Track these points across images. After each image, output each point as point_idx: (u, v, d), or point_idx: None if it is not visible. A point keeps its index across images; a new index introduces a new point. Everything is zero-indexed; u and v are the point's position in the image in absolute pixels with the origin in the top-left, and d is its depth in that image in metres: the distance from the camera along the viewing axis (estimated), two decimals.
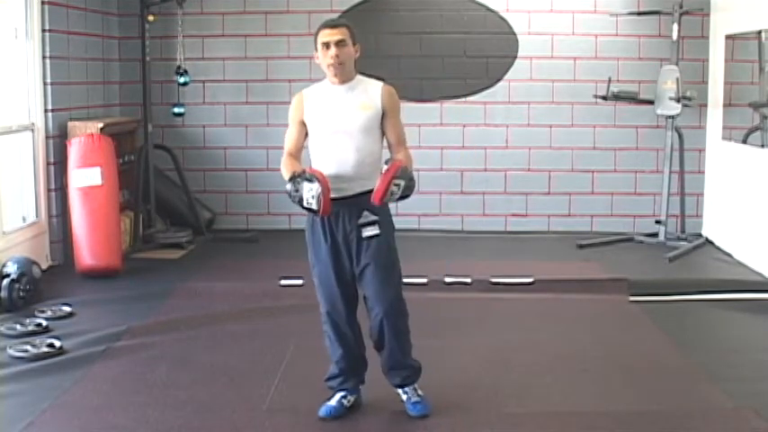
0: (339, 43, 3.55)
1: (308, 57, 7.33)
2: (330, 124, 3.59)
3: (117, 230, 6.12)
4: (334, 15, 7.22)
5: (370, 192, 3.51)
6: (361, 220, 3.57)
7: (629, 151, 7.39)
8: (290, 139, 3.69)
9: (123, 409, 3.78)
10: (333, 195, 3.46)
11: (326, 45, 3.56)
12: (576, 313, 5.38)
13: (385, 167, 3.50)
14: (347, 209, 3.58)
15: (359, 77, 3.66)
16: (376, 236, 3.59)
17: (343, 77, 3.60)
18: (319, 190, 3.37)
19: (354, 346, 3.75)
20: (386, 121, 3.64)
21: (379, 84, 3.67)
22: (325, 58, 3.57)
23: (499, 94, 7.38)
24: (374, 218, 3.59)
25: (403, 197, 3.50)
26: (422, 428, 3.64)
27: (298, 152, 3.67)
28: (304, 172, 3.45)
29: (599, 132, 7.40)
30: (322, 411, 3.73)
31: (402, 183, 3.44)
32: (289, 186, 3.46)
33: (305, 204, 3.41)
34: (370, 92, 3.63)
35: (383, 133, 3.67)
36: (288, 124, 3.72)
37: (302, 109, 3.65)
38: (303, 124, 3.65)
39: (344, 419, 3.72)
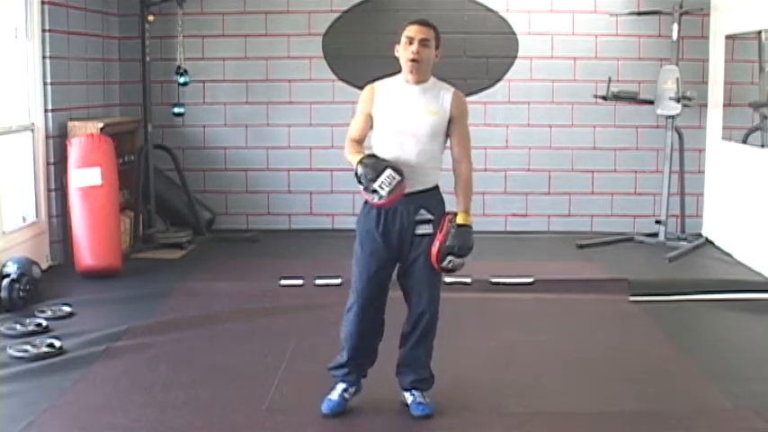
0: (423, 41, 3.60)
1: (307, 57, 7.42)
2: (398, 124, 3.62)
3: (117, 230, 6.12)
4: (334, 15, 7.27)
5: (428, 191, 3.66)
6: (418, 217, 3.63)
7: (629, 151, 7.39)
8: (355, 127, 3.73)
9: (123, 409, 3.78)
10: None
11: (410, 40, 3.60)
12: (576, 313, 5.38)
13: (435, 235, 3.61)
14: (405, 206, 3.62)
15: (433, 80, 3.69)
16: (429, 234, 3.64)
17: (418, 77, 3.63)
18: (401, 182, 3.47)
19: (370, 341, 3.77)
20: (452, 128, 3.68)
21: (451, 89, 3.70)
22: (405, 53, 3.61)
23: (499, 94, 7.38)
24: (430, 216, 3.65)
25: (464, 255, 3.65)
26: (422, 428, 3.64)
27: (362, 140, 3.71)
28: (386, 161, 3.53)
29: (599, 132, 7.40)
30: (325, 407, 3.75)
31: (451, 259, 3.60)
32: (368, 161, 3.52)
33: (375, 185, 3.46)
34: (441, 97, 3.65)
35: (447, 137, 3.71)
36: (355, 113, 3.76)
37: (372, 102, 3.67)
38: (370, 116, 3.68)
39: (344, 419, 3.72)
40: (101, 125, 6.26)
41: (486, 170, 7.46)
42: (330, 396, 3.78)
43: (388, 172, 3.48)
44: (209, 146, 7.52)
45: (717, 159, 7.10)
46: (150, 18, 6.86)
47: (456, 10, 7.34)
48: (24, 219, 6.09)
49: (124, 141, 6.86)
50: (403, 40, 3.63)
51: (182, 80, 7.01)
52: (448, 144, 3.75)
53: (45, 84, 6.13)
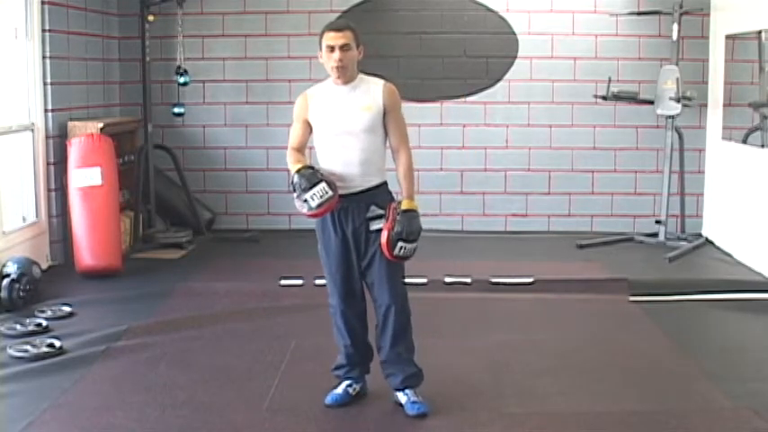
0: (343, 47, 3.64)
1: (307, 57, 7.41)
2: (335, 125, 3.68)
3: (117, 230, 6.12)
4: (334, 15, 7.25)
5: (377, 187, 3.71)
6: (369, 214, 3.69)
7: (629, 151, 7.39)
8: (294, 135, 3.80)
9: (123, 409, 3.78)
10: (341, 193, 3.62)
11: (331, 48, 3.65)
12: (576, 313, 5.38)
13: (383, 225, 3.62)
14: (355, 204, 3.69)
15: (361, 77, 3.75)
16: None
17: (346, 79, 3.69)
18: (331, 197, 3.54)
19: (361, 336, 3.85)
20: (387, 119, 3.73)
21: (381, 82, 3.75)
22: (329, 61, 3.66)
23: (499, 94, 7.38)
24: (381, 212, 3.69)
25: (414, 240, 3.63)
26: (422, 428, 3.64)
27: (302, 148, 3.79)
28: (323, 175, 3.59)
29: (599, 132, 7.40)
30: (328, 399, 3.83)
31: (402, 245, 3.60)
32: (305, 172, 3.59)
33: (307, 195, 3.54)
34: (371, 91, 3.71)
35: (386, 130, 3.75)
36: (293, 121, 3.82)
37: (306, 109, 3.75)
38: (307, 123, 3.76)
39: (344, 419, 3.73)
40: (101, 125, 6.26)
41: (486, 170, 7.47)
42: (335, 390, 3.86)
43: (322, 185, 3.55)
44: (209, 146, 7.52)
45: (717, 159, 7.10)
46: (150, 18, 6.87)
47: (456, 10, 7.34)
48: (24, 219, 6.09)
49: (124, 141, 6.86)
50: (324, 48, 3.67)
51: (182, 80, 7.01)
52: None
53: (45, 84, 6.13)
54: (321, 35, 3.70)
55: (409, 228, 3.60)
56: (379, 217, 3.68)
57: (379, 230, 3.67)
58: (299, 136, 3.78)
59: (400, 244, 3.60)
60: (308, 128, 3.76)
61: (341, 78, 3.67)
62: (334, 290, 3.81)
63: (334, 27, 3.71)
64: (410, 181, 3.74)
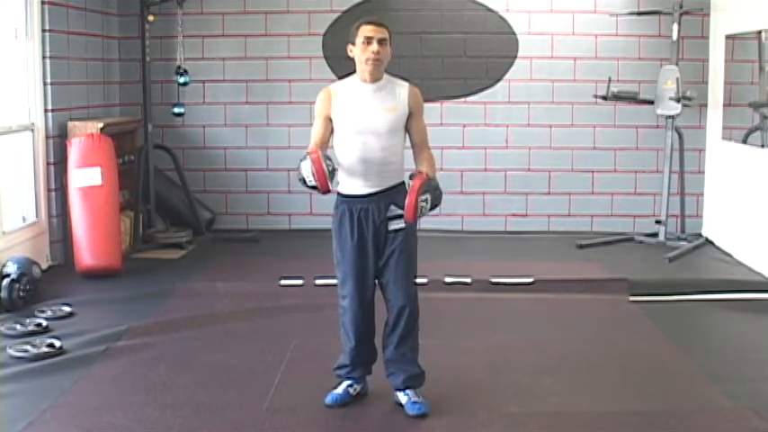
0: (382, 41, 3.64)
1: (307, 57, 7.43)
2: (357, 124, 3.66)
3: (117, 230, 6.12)
4: (334, 15, 7.28)
5: (395, 187, 3.70)
6: (389, 214, 3.70)
7: (629, 151, 7.39)
8: (315, 132, 3.74)
9: (123, 409, 3.78)
10: (361, 192, 3.66)
11: (370, 40, 3.62)
12: (576, 313, 5.38)
13: (409, 183, 3.60)
14: (375, 204, 3.69)
15: (386, 77, 3.73)
16: (402, 229, 3.70)
17: (376, 76, 3.67)
18: (310, 164, 3.49)
19: (367, 339, 3.83)
20: (410, 122, 3.74)
21: (406, 85, 3.75)
22: (365, 53, 3.63)
23: (499, 94, 7.39)
24: (400, 212, 3.67)
25: (434, 206, 3.59)
26: (422, 428, 3.64)
27: (323, 144, 3.72)
28: (306, 156, 3.55)
29: (599, 132, 7.40)
30: (328, 399, 3.82)
31: (428, 197, 3.54)
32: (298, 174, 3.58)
33: (308, 183, 3.53)
34: (397, 93, 3.70)
35: (406, 132, 3.75)
36: (314, 118, 3.77)
37: (330, 105, 3.71)
38: (329, 119, 3.72)
39: (344, 420, 3.72)
40: (101, 125, 6.26)
41: (486, 170, 7.47)
42: (335, 390, 3.85)
43: (303, 166, 3.52)
44: (209, 146, 7.52)
45: (717, 159, 7.10)
46: (150, 18, 6.87)
47: (456, 10, 7.35)
48: (24, 219, 6.09)
49: (124, 141, 6.86)
50: (360, 40, 3.63)
51: (182, 80, 7.01)
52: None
53: (45, 84, 6.13)
54: (356, 28, 3.66)
55: (427, 186, 3.54)
56: (399, 216, 3.68)
57: (398, 230, 3.69)
58: (320, 133, 3.71)
59: (426, 195, 3.51)
60: (330, 125, 3.71)
61: (372, 74, 3.64)
62: (346, 291, 3.78)
63: (373, 21, 3.68)
64: (432, 165, 3.73)
